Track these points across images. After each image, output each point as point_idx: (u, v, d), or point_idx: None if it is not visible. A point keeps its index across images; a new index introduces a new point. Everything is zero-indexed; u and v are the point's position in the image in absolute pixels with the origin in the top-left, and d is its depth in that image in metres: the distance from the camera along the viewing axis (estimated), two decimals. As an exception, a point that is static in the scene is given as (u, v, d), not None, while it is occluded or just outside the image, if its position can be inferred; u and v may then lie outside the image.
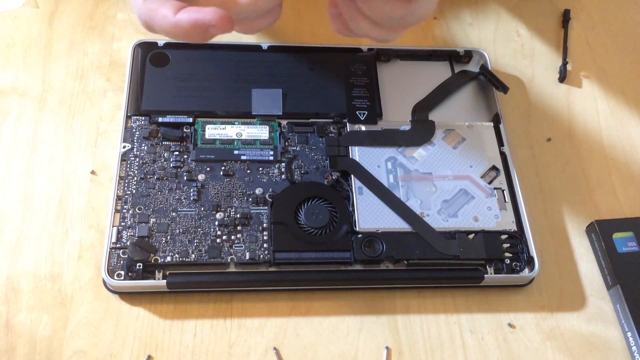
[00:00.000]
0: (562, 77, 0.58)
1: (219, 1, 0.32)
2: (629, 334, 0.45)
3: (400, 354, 0.44)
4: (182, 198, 0.46)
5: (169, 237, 0.44)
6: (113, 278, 0.43)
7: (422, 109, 0.52)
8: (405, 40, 0.58)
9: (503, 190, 0.49)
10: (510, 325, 0.46)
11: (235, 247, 0.45)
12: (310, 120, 0.51)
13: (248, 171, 0.48)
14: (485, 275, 0.45)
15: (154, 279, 0.43)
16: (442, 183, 0.49)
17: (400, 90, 0.54)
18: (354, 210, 0.47)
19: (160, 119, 0.49)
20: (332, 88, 0.53)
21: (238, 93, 0.51)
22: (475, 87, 0.55)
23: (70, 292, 0.44)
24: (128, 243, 0.44)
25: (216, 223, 0.45)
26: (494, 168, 0.50)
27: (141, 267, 0.43)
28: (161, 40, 0.53)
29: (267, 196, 0.47)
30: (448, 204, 0.48)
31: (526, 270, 0.46)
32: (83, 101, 0.52)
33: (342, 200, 0.47)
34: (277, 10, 0.36)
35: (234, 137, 0.49)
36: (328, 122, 0.51)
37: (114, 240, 0.44)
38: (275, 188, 0.47)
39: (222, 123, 0.50)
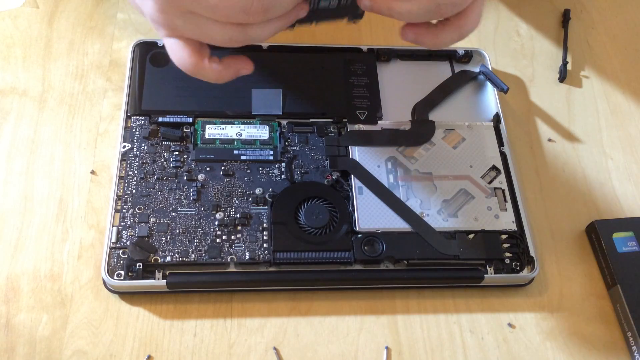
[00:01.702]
0: (562, 77, 0.58)
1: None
2: (629, 334, 0.45)
3: (400, 354, 0.44)
4: (182, 198, 0.46)
5: (168, 237, 0.44)
6: (113, 278, 0.43)
7: (422, 109, 0.52)
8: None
9: (503, 190, 0.49)
10: (510, 325, 0.46)
11: (235, 247, 0.45)
12: (310, 120, 0.51)
13: (248, 171, 0.48)
14: (485, 275, 0.45)
15: (154, 279, 0.43)
16: (442, 183, 0.49)
17: (400, 90, 0.54)
18: (354, 210, 0.47)
19: (160, 119, 0.49)
20: (332, 88, 0.53)
21: (238, 93, 0.51)
22: (475, 87, 0.55)
23: (70, 292, 0.44)
24: (128, 243, 0.44)
25: (216, 223, 0.45)
26: (494, 168, 0.50)
27: (141, 267, 0.43)
28: (161, 40, 0.53)
29: (267, 196, 0.47)
30: (448, 204, 0.48)
31: (526, 270, 0.46)
32: (83, 101, 0.52)
33: (342, 200, 0.47)
34: (230, 72, 0.37)
35: (234, 137, 0.49)
36: (328, 122, 0.51)
37: (114, 240, 0.44)
38: (275, 188, 0.47)
39: (222, 123, 0.50)
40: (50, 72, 0.53)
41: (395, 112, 0.52)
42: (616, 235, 0.48)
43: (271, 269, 0.45)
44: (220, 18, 0.33)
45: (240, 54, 0.37)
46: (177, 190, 0.46)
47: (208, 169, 0.48)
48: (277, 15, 0.32)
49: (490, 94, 0.55)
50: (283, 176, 0.48)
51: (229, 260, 0.44)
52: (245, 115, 0.50)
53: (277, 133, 0.50)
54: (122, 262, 0.43)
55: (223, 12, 0.32)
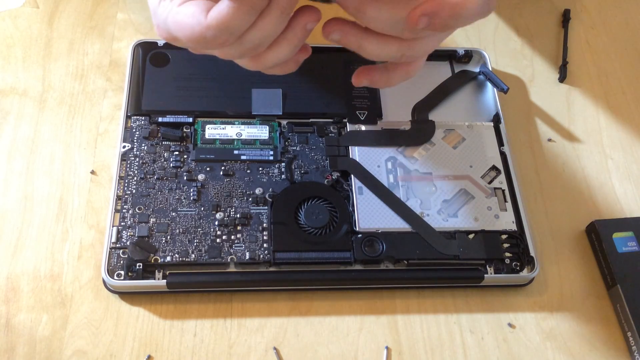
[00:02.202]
0: (562, 77, 0.58)
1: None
2: (629, 334, 0.45)
3: (400, 354, 0.44)
4: (182, 198, 0.46)
5: (169, 237, 0.44)
6: (113, 278, 0.43)
7: (422, 109, 0.52)
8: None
9: (503, 190, 0.49)
10: (510, 325, 0.46)
11: (235, 247, 0.45)
12: (310, 120, 0.51)
13: (248, 171, 0.48)
14: (485, 275, 0.45)
15: (154, 279, 0.43)
16: (442, 183, 0.49)
17: (400, 90, 0.53)
18: (354, 210, 0.47)
19: (160, 119, 0.49)
20: (332, 88, 0.53)
21: (238, 93, 0.51)
22: (475, 87, 0.55)
23: (70, 292, 0.44)
24: (128, 243, 0.44)
25: (216, 223, 0.45)
26: (494, 168, 0.50)
27: (141, 267, 0.43)
28: (161, 40, 0.53)
29: (267, 196, 0.47)
30: (448, 204, 0.48)
31: (526, 270, 0.46)
32: (83, 101, 0.52)
33: (342, 200, 0.47)
34: (291, 65, 0.36)
35: (234, 137, 0.49)
36: (328, 122, 0.51)
37: (114, 240, 0.44)
38: (275, 188, 0.47)
39: (222, 123, 0.50)
40: (50, 72, 0.53)
41: (395, 112, 0.52)
42: (616, 235, 0.48)
43: (271, 269, 0.45)
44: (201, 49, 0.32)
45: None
46: (177, 190, 0.46)
47: (208, 169, 0.48)
48: (240, 26, 0.30)
49: (490, 94, 0.55)
50: (283, 176, 0.48)
51: (229, 260, 0.44)
52: (245, 115, 0.50)
53: (277, 133, 0.50)
54: (122, 262, 0.43)
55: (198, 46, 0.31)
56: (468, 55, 0.56)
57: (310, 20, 0.33)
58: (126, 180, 0.46)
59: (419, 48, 0.33)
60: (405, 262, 0.45)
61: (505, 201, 0.49)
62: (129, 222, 0.45)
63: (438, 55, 0.56)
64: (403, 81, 0.37)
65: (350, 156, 0.49)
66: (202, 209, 0.46)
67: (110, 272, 0.43)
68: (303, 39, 0.33)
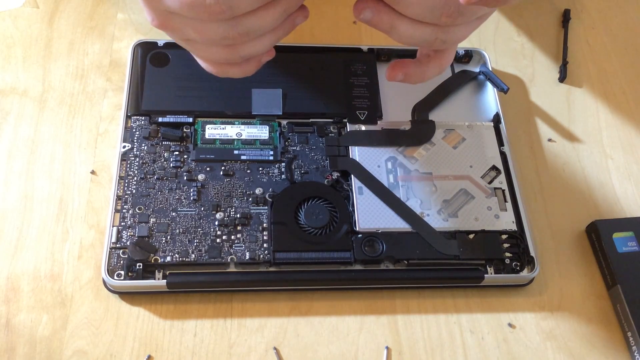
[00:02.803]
0: (562, 77, 0.58)
1: None
2: (629, 333, 0.45)
3: (400, 354, 0.44)
4: (182, 198, 0.46)
5: (169, 237, 0.44)
6: (113, 278, 0.43)
7: (422, 109, 0.52)
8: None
9: (503, 190, 0.49)
10: (510, 325, 0.46)
11: (235, 247, 0.45)
12: (310, 120, 0.51)
13: (248, 171, 0.48)
14: (485, 275, 0.45)
15: (154, 279, 0.43)
16: (442, 183, 0.49)
17: (400, 90, 0.53)
18: (354, 210, 0.47)
19: (160, 119, 0.49)
20: (332, 88, 0.53)
21: (238, 93, 0.51)
22: (475, 87, 0.55)
23: (70, 292, 0.44)
24: (128, 243, 0.44)
25: (216, 223, 0.45)
26: (494, 168, 0.50)
27: (141, 267, 0.43)
28: (161, 40, 0.53)
29: (267, 196, 0.47)
30: (448, 204, 0.48)
31: (526, 270, 0.46)
32: (83, 101, 0.52)
33: (342, 200, 0.47)
34: (254, 64, 0.36)
35: (234, 137, 0.49)
36: (328, 122, 0.51)
37: (114, 240, 0.44)
38: (275, 188, 0.47)
39: (222, 123, 0.50)
40: (50, 72, 0.53)
41: (395, 112, 0.52)
42: (616, 235, 0.48)
43: (271, 269, 0.45)
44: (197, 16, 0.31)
45: None
46: (177, 190, 0.47)
47: (208, 169, 0.48)
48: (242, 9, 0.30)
49: (490, 94, 0.55)
50: (283, 176, 0.48)
51: (229, 260, 0.44)
52: (245, 115, 0.50)
53: (277, 133, 0.50)
54: (122, 262, 0.43)
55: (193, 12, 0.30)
56: (468, 55, 0.56)
57: (300, 16, 0.33)
58: (126, 180, 0.46)
59: (453, 33, 0.32)
60: (405, 262, 0.45)
61: (505, 201, 0.49)
62: (129, 222, 0.45)
63: (438, 55, 0.56)
64: (435, 76, 0.36)
65: (350, 156, 0.49)
66: (202, 209, 0.46)
67: (110, 272, 0.43)
68: (287, 33, 0.33)
